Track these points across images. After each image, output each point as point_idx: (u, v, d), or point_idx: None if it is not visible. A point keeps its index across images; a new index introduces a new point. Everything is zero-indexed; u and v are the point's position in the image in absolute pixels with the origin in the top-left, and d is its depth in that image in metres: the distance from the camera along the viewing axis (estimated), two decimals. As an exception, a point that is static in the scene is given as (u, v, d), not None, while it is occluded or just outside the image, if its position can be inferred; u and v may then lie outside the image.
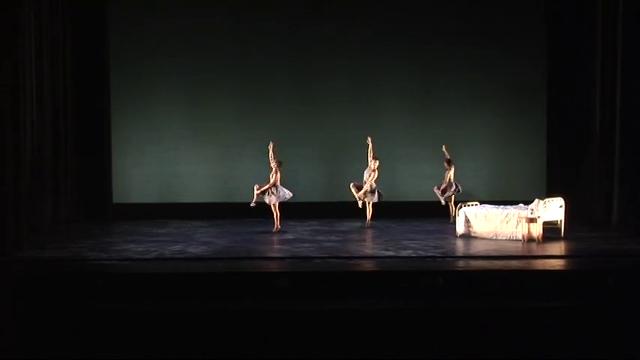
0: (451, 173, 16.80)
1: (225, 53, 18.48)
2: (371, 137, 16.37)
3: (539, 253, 13.11)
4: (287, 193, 15.71)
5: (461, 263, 12.60)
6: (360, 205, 16.33)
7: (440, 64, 18.49)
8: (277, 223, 15.76)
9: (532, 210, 14.22)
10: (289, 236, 15.30)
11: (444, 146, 16.93)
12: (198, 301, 10.61)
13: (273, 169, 15.66)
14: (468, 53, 18.42)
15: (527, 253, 13.21)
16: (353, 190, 16.25)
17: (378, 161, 16.20)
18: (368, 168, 16.25)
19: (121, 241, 14.57)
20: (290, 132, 18.37)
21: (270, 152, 15.80)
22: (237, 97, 18.57)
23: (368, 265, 12.30)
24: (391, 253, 13.09)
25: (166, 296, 10.77)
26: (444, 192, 16.76)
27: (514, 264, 12.16)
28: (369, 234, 15.68)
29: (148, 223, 17.19)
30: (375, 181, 16.24)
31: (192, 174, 18.49)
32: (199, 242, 14.44)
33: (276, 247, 13.98)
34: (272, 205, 15.76)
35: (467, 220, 14.96)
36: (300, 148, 18.33)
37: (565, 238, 14.41)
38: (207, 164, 18.55)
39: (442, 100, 18.55)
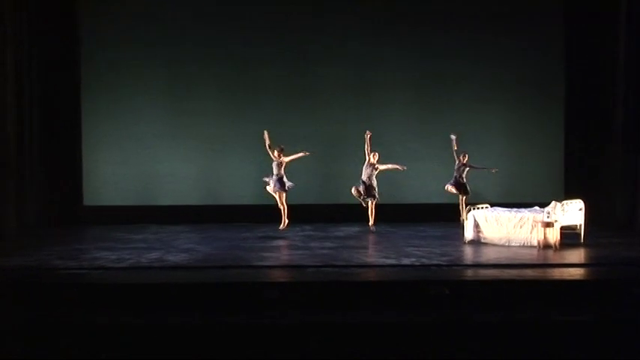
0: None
1: (209, 40, 18.47)
2: (370, 132, 16.27)
3: (557, 261, 13.11)
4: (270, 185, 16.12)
5: (469, 272, 12.60)
6: (365, 205, 16.30)
7: (449, 53, 18.50)
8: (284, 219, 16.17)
9: (548, 213, 14.21)
10: (280, 242, 15.29)
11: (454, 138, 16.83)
12: (179, 315, 10.57)
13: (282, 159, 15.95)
14: (479, 42, 18.46)
15: (543, 261, 13.21)
16: (355, 193, 16.20)
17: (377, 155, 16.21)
18: (367, 164, 16.18)
19: (92, 248, 14.53)
20: (281, 127, 18.34)
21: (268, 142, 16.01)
22: (223, 88, 18.56)
23: (367, 275, 12.28)
24: (392, 261, 13.07)
25: (143, 309, 10.73)
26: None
27: (529, 273, 12.15)
28: (367, 240, 15.67)
29: (123, 227, 17.19)
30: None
31: (172, 173, 18.47)
32: (180, 249, 14.42)
33: (266, 254, 13.95)
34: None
35: (476, 225, 14.96)
36: (292, 144, 18.24)
37: (585, 245, 14.43)
38: (190, 162, 18.54)
39: (450, 92, 18.58)
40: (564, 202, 14.64)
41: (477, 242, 14.86)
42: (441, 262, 12.91)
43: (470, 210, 15.20)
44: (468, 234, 15.00)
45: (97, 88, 18.39)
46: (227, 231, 16.82)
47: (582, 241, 14.55)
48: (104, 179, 18.47)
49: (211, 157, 18.57)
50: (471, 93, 18.58)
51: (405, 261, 13.05)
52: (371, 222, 16.37)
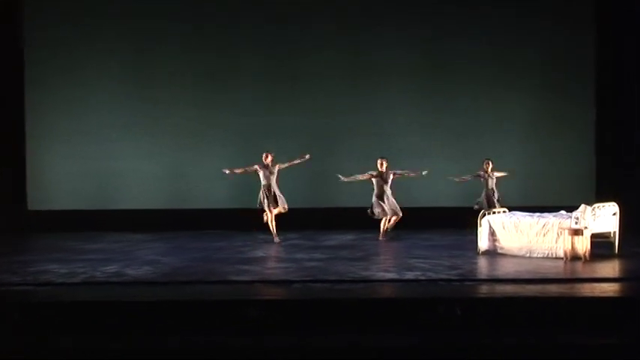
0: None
1: (180, 14, 18.44)
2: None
3: (587, 275, 13.12)
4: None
5: (484, 288, 12.59)
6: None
7: (460, 31, 18.52)
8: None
9: (577, 219, 14.23)
10: (260, 253, 15.29)
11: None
12: (141, 338, 10.55)
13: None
14: (496, 18, 18.47)
15: (570, 275, 13.22)
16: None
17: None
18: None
19: (39, 260, 14.47)
20: (262, 118, 18.36)
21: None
22: (195, 71, 18.54)
23: (363, 292, 12.26)
24: (393, 276, 13.06)
25: (98, 331, 10.71)
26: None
27: (554, 289, 12.16)
28: (364, 250, 15.67)
29: (75, 236, 17.15)
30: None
31: (133, 172, 18.44)
32: (142, 261, 14.39)
33: (244, 267, 13.93)
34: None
35: (492, 233, 14.97)
36: (275, 138, 18.29)
37: (620, 255, 14.45)
38: (154, 159, 18.51)
39: (462, 77, 18.59)
40: (595, 205, 14.65)
41: (492, 253, 14.87)
42: (451, 277, 12.91)
43: (484, 215, 15.20)
44: (483, 243, 15.00)
45: (43, 71, 18.32)
46: (199, 240, 16.79)
47: (616, 251, 14.57)
48: (52, 179, 18.41)
49: (180, 153, 18.53)
50: (486, 78, 18.60)
51: (409, 275, 13.04)
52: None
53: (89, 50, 18.36)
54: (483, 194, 16.83)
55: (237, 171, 16.45)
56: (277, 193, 16.42)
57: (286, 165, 16.48)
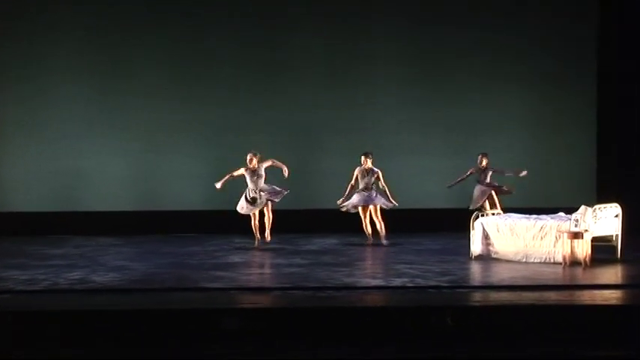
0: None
1: (148, 3, 18.37)
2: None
3: (587, 282, 13.17)
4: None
5: (477, 296, 12.62)
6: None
7: (454, 19, 18.50)
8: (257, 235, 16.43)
9: (577, 221, 14.27)
10: (237, 259, 15.27)
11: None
12: (107, 350, 10.53)
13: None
14: (491, 5, 18.46)
15: (570, 282, 13.28)
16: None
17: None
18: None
19: (-3, 266, 14.46)
20: (239, 113, 18.32)
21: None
22: (165, 64, 18.47)
23: (347, 300, 12.28)
24: (379, 282, 13.08)
25: (62, 342, 10.68)
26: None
27: (552, 296, 12.21)
28: (348, 255, 15.67)
29: (37, 239, 17.11)
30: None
31: (98, 171, 18.37)
32: (109, 267, 14.37)
33: (219, 273, 13.92)
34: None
35: (485, 236, 14.99)
36: (253, 135, 18.26)
37: (622, 260, 14.50)
38: (121, 158, 18.44)
39: (456, 68, 18.58)
40: (596, 206, 14.70)
41: (486, 258, 14.90)
42: (442, 284, 12.94)
43: (477, 217, 15.22)
44: (476, 247, 15.03)
45: (1, 59, 18.25)
46: (170, 244, 16.76)
47: (619, 255, 14.63)
48: (12, 179, 18.32)
49: (150, 151, 18.46)
50: (481, 71, 18.58)
51: (396, 282, 13.07)
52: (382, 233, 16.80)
53: (52, 38, 18.26)
54: (478, 191, 16.83)
55: (224, 180, 16.15)
56: (265, 195, 16.21)
57: (270, 164, 16.23)
